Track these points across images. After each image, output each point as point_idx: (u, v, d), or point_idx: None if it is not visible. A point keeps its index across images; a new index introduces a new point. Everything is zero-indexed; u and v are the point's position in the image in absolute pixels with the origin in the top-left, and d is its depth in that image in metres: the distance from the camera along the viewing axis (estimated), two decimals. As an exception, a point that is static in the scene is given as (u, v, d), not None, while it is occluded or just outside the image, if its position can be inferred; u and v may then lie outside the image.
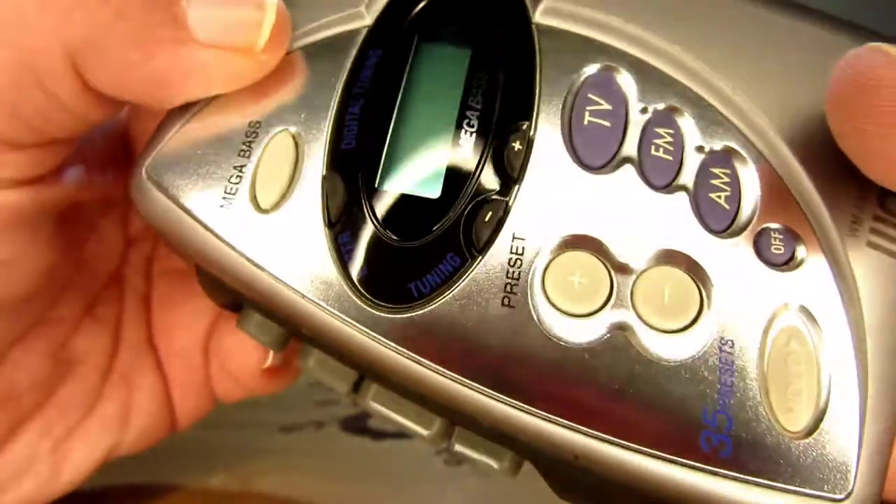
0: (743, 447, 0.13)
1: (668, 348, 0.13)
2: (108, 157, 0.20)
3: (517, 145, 0.15)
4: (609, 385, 0.13)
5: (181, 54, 0.14)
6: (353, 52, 0.16)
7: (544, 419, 0.13)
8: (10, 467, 0.18)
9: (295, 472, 0.24)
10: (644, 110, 0.15)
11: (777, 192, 0.14)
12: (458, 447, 0.15)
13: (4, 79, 0.14)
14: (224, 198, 0.14)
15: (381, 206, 0.15)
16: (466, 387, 0.13)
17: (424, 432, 0.15)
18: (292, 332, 0.16)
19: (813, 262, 0.14)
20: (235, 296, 0.15)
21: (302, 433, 0.26)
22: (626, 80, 0.15)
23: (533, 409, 0.13)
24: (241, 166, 0.15)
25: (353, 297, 0.14)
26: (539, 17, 0.16)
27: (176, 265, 0.22)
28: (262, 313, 0.15)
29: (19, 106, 0.15)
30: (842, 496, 0.13)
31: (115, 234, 0.21)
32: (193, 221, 0.14)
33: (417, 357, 0.14)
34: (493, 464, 0.15)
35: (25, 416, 0.19)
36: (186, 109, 0.15)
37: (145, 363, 0.21)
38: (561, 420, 0.13)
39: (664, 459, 0.13)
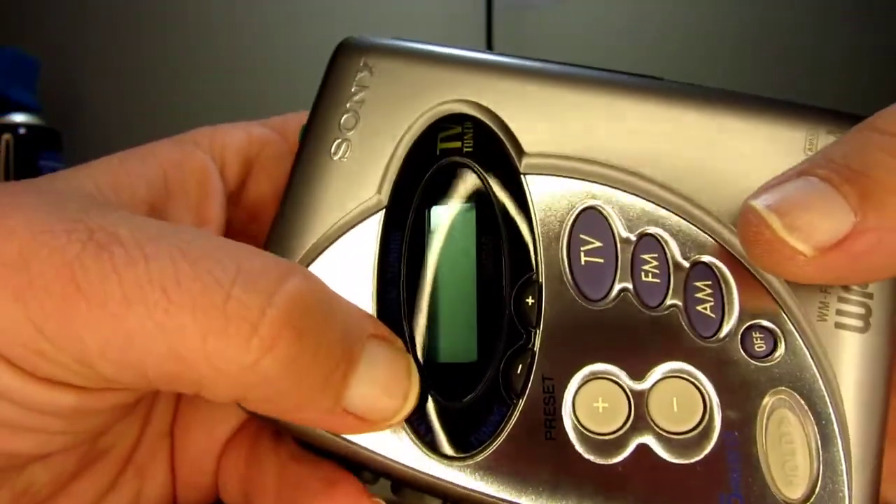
0: None
1: (684, 449, 0.17)
2: None
3: (530, 299, 0.18)
4: (642, 490, 0.17)
5: (326, 419, 0.16)
6: (378, 237, 0.19)
7: None
8: None
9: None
10: (628, 240, 0.18)
11: (754, 291, 0.18)
12: None
13: (155, 374, 0.14)
14: None
15: (433, 377, 0.18)
16: None
17: None
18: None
19: (792, 350, 0.17)
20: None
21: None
22: (608, 215, 0.18)
23: None
24: None
25: (428, 454, 0.17)
26: (525, 168, 0.19)
27: None
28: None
29: (153, 385, 0.15)
30: None
31: None
32: None
33: (486, 493, 0.17)
34: None
35: None
36: None
37: (161, 455, 0.21)
38: None
39: None
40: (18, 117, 0.73)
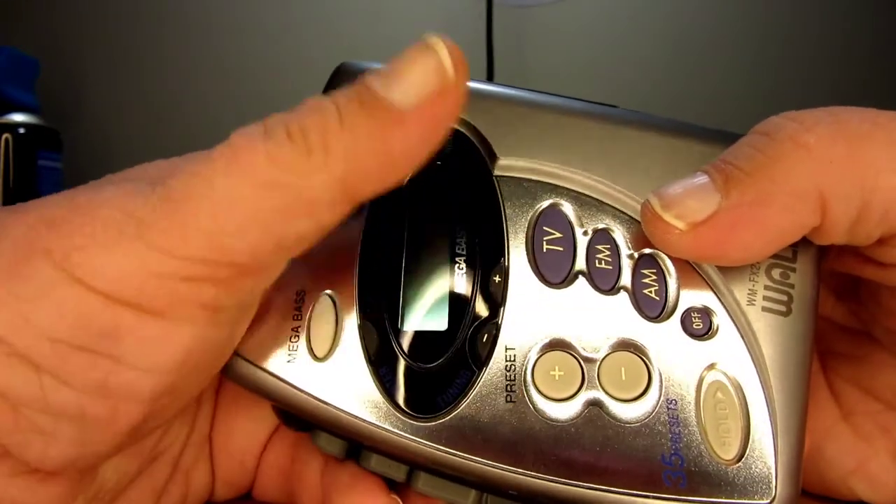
0: (695, 478, 0.19)
1: (630, 413, 0.20)
2: None
3: (497, 277, 0.21)
4: (592, 448, 0.19)
5: (407, 132, 0.17)
6: (363, 222, 0.22)
7: (552, 482, 0.19)
8: None
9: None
10: (585, 232, 0.21)
11: (692, 279, 0.21)
12: None
13: (273, 216, 0.16)
14: (289, 354, 0.21)
15: (406, 342, 0.21)
16: (491, 467, 0.20)
17: (463, 502, 0.21)
18: (352, 443, 0.22)
19: (725, 330, 0.20)
20: (309, 424, 0.22)
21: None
22: (568, 211, 0.21)
23: (542, 475, 0.20)
24: (297, 327, 0.21)
25: (397, 414, 0.20)
26: (497, 171, 0.22)
27: None
28: (329, 433, 0.22)
29: (283, 237, 0.17)
30: (768, 500, 0.19)
31: None
32: (270, 377, 0.21)
33: (451, 451, 0.20)
34: None
35: None
36: None
37: (202, 458, 0.24)
38: (564, 481, 0.19)
39: (640, 497, 0.19)
40: (18, 117, 0.75)
